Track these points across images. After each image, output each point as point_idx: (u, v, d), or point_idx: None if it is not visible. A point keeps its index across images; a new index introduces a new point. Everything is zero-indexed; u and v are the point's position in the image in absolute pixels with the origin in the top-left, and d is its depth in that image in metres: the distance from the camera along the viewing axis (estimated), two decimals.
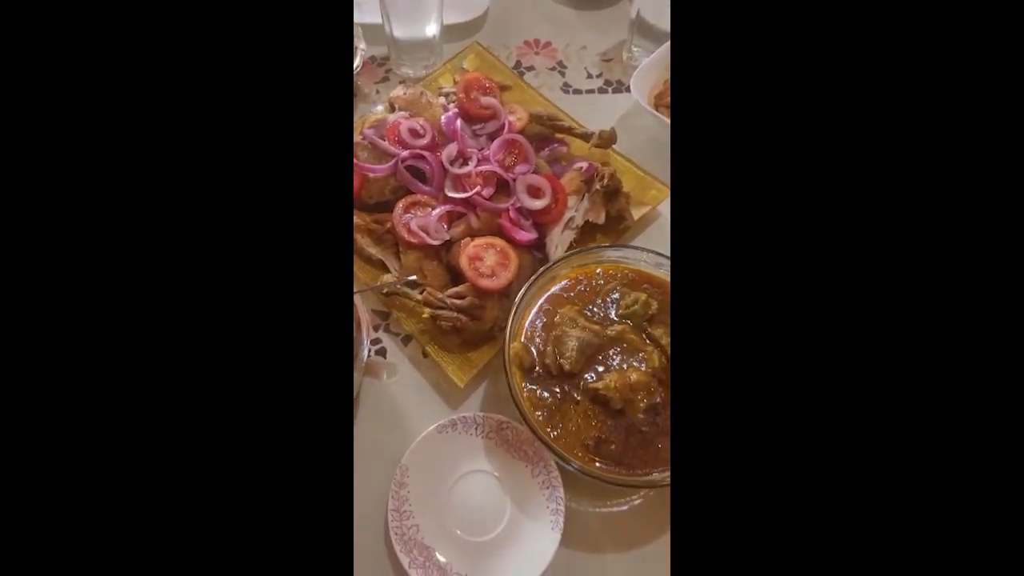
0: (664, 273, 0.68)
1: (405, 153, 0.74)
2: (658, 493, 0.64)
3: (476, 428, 0.65)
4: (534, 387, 0.61)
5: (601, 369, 0.62)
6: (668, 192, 0.79)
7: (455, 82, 0.85)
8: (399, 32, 0.86)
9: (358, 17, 0.89)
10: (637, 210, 0.78)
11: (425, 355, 0.70)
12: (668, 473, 0.57)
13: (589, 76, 0.95)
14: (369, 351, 0.70)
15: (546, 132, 0.81)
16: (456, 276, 0.71)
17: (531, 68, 0.95)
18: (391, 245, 0.72)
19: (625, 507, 0.63)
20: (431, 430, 0.64)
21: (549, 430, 0.59)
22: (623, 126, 0.90)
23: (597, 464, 0.58)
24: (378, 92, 0.90)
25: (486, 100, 0.79)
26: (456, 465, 0.63)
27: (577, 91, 0.93)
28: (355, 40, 0.85)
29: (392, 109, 0.80)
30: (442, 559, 0.59)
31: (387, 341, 0.72)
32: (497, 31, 0.98)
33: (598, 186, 0.72)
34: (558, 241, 0.73)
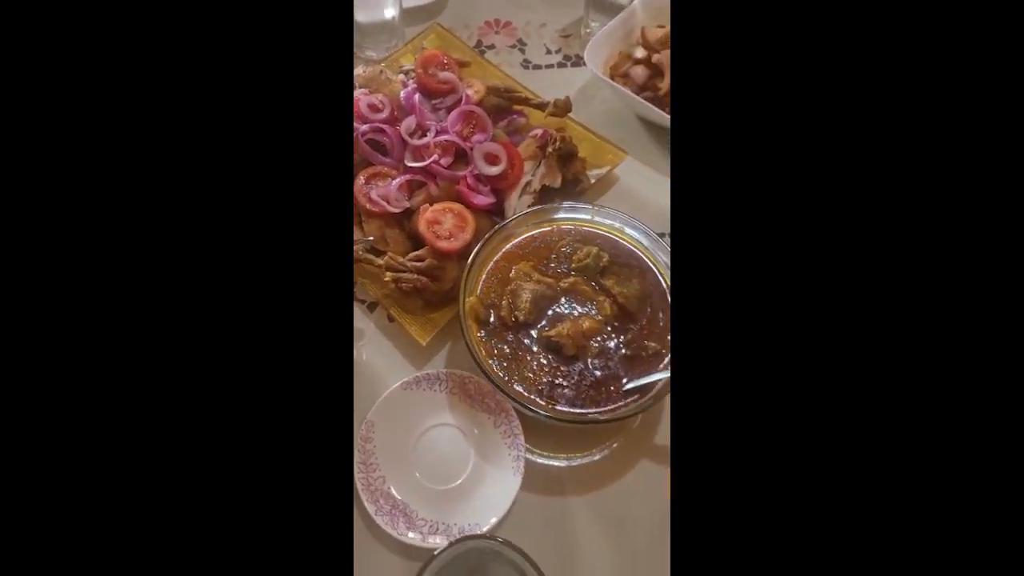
0: (617, 228, 0.70)
1: (365, 127, 0.76)
2: (621, 448, 0.65)
3: (440, 384, 0.67)
4: (490, 339, 0.64)
5: (555, 319, 0.64)
6: (624, 156, 0.82)
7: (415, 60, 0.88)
8: (360, 16, 0.89)
9: None
10: (594, 174, 0.81)
11: (391, 319, 0.72)
12: (618, 409, 0.59)
13: (548, 52, 0.97)
14: None
15: (504, 104, 0.83)
16: (418, 243, 0.73)
17: (492, 47, 0.97)
18: (353, 216, 0.75)
19: (588, 460, 0.65)
20: (395, 387, 0.66)
21: (505, 377, 0.61)
22: (582, 98, 0.92)
23: (552, 407, 0.60)
24: None
25: (444, 75, 0.82)
26: (421, 420, 0.66)
27: (537, 66, 0.96)
28: None
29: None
30: (408, 506, 0.61)
31: (353, 308, 0.74)
32: (458, 13, 1.01)
33: (551, 149, 0.74)
34: (516, 205, 0.75)
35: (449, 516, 0.61)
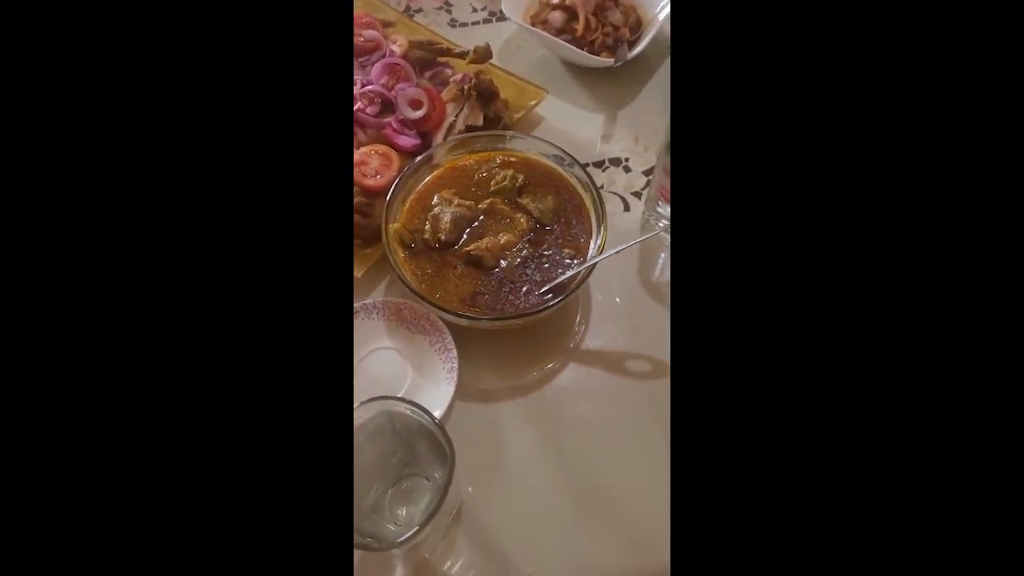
0: (533, 154, 0.74)
1: None
2: (553, 370, 0.69)
3: (377, 312, 0.71)
4: (414, 259, 0.68)
5: (475, 236, 0.68)
6: (544, 93, 0.86)
7: None
8: None
9: None
10: (519, 115, 0.85)
11: None
12: (536, 307, 0.63)
13: (474, 10, 1.02)
14: None
15: (428, 56, 0.88)
16: None
17: (419, 10, 1.02)
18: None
19: (523, 381, 0.69)
20: None
21: (429, 291, 0.65)
22: (508, 49, 0.97)
23: (473, 311, 0.64)
24: None
25: (368, 33, 0.86)
26: (361, 346, 0.69)
27: (464, 24, 1.00)
28: None
29: None
30: None
31: None
32: None
33: (467, 87, 0.79)
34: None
35: None
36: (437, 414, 0.64)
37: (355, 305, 0.71)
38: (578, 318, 0.72)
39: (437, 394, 0.65)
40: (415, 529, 0.46)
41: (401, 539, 0.45)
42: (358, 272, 0.72)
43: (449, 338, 0.67)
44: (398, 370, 0.68)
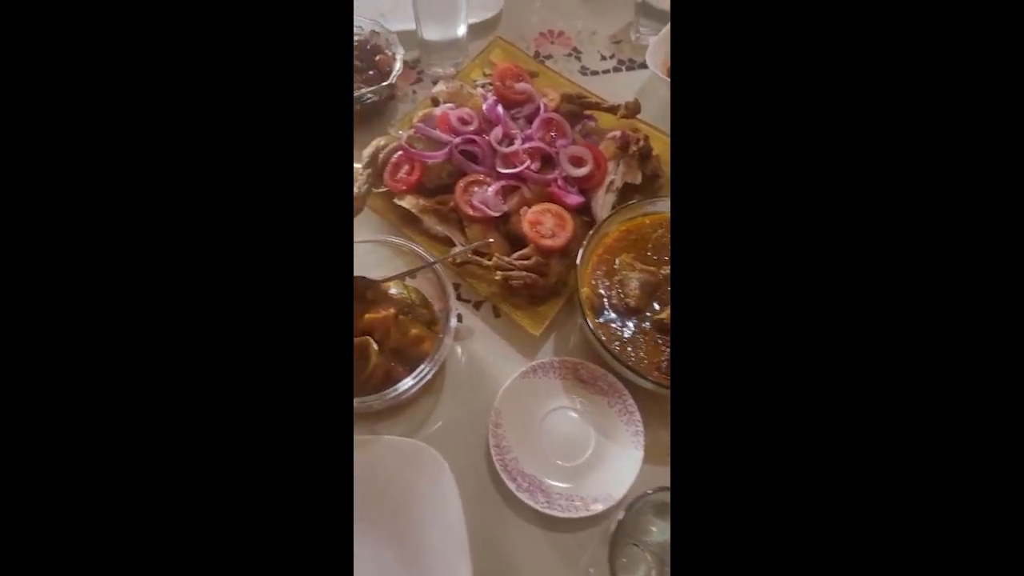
0: None
1: (458, 139, 0.82)
2: None
3: (554, 371, 0.73)
4: (606, 325, 0.69)
5: (660, 304, 0.70)
6: None
7: (485, 74, 0.94)
8: (429, 35, 0.95)
9: (390, 26, 0.96)
10: (667, 169, 0.87)
11: (497, 315, 0.78)
12: None
13: (603, 58, 1.04)
14: (455, 319, 0.78)
15: (576, 110, 0.89)
16: (516, 243, 0.79)
17: (549, 56, 1.03)
18: (455, 222, 0.81)
19: None
20: (515, 377, 0.72)
21: (633, 356, 0.67)
22: (640, 98, 0.98)
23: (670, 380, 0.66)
24: (415, 92, 0.99)
25: (520, 86, 0.88)
26: (541, 404, 0.71)
27: (594, 72, 1.02)
28: (394, 47, 0.93)
29: (436, 103, 0.89)
30: (543, 481, 0.67)
31: (460, 308, 0.80)
32: (513, 26, 1.07)
33: (634, 149, 0.81)
34: (603, 202, 0.81)
35: (582, 488, 0.66)
36: (631, 479, 0.66)
37: (533, 364, 0.73)
38: None
39: (626, 458, 0.67)
40: None
41: None
42: (536, 331, 0.74)
43: (631, 401, 0.70)
44: (580, 432, 0.70)
